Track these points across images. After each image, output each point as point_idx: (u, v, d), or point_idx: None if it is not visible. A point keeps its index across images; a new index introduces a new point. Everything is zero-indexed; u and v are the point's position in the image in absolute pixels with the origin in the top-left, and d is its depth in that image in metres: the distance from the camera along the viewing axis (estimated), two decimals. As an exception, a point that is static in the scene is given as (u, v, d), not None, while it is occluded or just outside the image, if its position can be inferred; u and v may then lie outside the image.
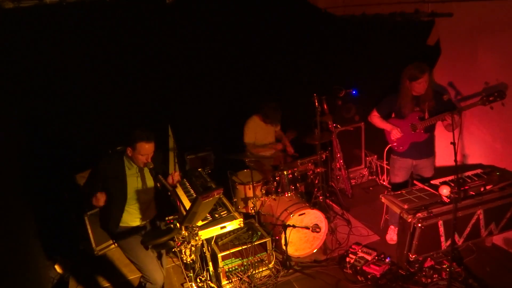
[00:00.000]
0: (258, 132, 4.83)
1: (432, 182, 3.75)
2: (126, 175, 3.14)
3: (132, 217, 3.24)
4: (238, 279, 3.81)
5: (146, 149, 3.04)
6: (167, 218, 3.04)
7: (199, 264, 3.61)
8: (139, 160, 3.08)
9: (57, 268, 4.14)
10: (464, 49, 4.04)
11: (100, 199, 2.98)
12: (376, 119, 4.06)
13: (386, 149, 4.09)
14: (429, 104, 3.76)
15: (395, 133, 3.90)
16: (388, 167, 5.35)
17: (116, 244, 3.34)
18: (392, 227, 4.32)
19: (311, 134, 4.44)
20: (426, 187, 3.71)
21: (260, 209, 4.44)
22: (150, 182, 3.25)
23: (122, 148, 3.18)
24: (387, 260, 3.94)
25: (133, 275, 4.06)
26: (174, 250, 4.21)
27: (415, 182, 3.86)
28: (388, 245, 4.28)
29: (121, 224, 3.21)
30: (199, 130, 5.42)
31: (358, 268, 3.86)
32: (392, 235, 4.29)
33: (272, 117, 4.64)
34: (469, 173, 3.82)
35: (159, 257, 3.45)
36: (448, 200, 3.46)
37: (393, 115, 4.07)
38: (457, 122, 3.40)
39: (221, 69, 5.17)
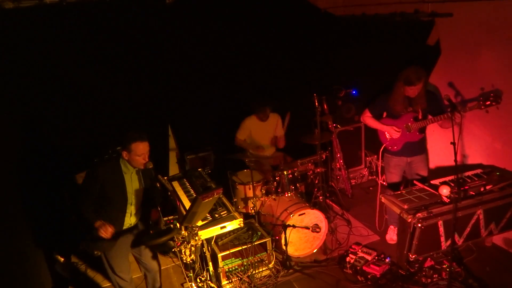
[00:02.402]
0: (254, 131, 4.85)
1: (432, 182, 3.75)
2: (124, 179, 3.15)
3: (128, 219, 3.25)
4: (238, 279, 3.81)
5: (141, 148, 3.04)
6: (166, 218, 3.04)
7: (199, 264, 3.61)
8: (137, 162, 3.08)
9: (57, 268, 4.14)
10: (464, 49, 4.05)
11: (109, 230, 2.99)
12: (369, 119, 4.06)
13: (381, 149, 4.11)
14: (422, 105, 3.78)
15: (393, 133, 3.91)
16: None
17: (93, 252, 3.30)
18: (391, 227, 4.32)
19: (311, 134, 4.44)
20: (426, 187, 3.71)
21: (260, 209, 4.44)
22: (142, 184, 3.26)
23: (116, 153, 3.17)
24: (387, 260, 3.94)
25: (133, 275, 4.05)
26: (174, 250, 4.22)
27: (415, 182, 3.86)
28: (388, 245, 4.28)
29: (124, 228, 3.23)
30: (199, 130, 5.42)
31: (358, 268, 3.86)
32: (392, 235, 4.29)
33: (259, 111, 4.69)
34: (469, 173, 3.82)
35: (155, 257, 3.46)
36: (448, 200, 3.46)
37: (384, 115, 4.07)
38: (456, 123, 3.41)
39: (221, 69, 5.17)
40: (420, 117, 3.81)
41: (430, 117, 3.78)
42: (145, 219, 3.43)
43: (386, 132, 4.00)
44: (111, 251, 3.17)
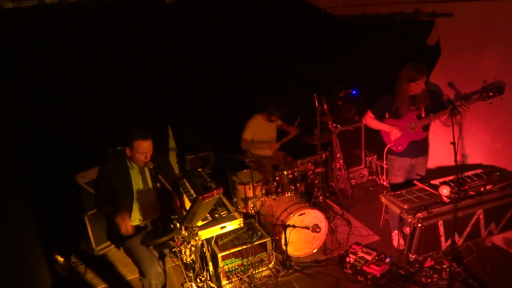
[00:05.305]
0: (258, 131, 4.84)
1: (432, 182, 3.75)
2: (130, 173, 3.16)
3: (133, 216, 3.24)
4: (238, 279, 3.81)
5: (144, 147, 3.04)
6: (173, 217, 3.05)
7: (199, 264, 3.61)
8: (138, 159, 3.08)
9: (57, 268, 4.14)
10: (464, 49, 4.05)
11: (128, 224, 3.01)
12: (371, 120, 4.04)
13: (385, 150, 4.10)
14: (425, 102, 3.77)
15: (394, 133, 3.90)
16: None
17: (119, 247, 3.31)
18: (396, 231, 4.27)
19: (311, 134, 4.44)
20: (426, 187, 3.71)
21: (260, 209, 4.44)
22: (151, 183, 3.26)
23: (122, 148, 3.18)
24: (387, 260, 3.94)
25: (132, 275, 4.06)
26: (174, 250, 4.22)
27: (415, 182, 3.85)
28: (388, 245, 4.27)
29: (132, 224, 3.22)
30: (199, 130, 5.42)
31: (358, 268, 3.86)
32: (399, 240, 4.24)
33: (278, 114, 4.67)
34: (469, 173, 3.82)
35: (162, 257, 3.44)
36: (448, 200, 3.46)
37: (387, 115, 4.06)
38: (458, 120, 3.41)
39: (221, 69, 5.17)
40: (423, 115, 3.80)
41: (432, 114, 3.77)
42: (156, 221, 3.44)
43: (389, 133, 3.99)
44: (129, 248, 3.20)
